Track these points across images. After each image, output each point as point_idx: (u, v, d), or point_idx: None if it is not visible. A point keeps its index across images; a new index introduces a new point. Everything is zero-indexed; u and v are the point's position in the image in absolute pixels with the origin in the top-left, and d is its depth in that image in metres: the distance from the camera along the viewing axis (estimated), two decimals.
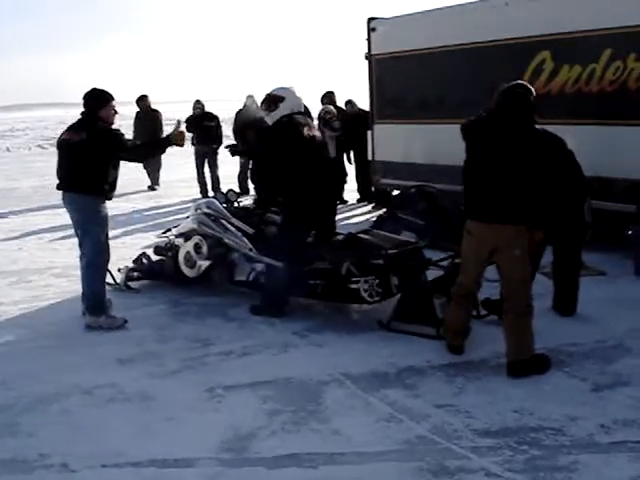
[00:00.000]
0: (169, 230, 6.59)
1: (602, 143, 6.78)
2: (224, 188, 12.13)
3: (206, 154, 12.01)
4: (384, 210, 9.20)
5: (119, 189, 13.05)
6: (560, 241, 5.17)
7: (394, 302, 5.18)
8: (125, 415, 3.94)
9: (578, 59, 7.08)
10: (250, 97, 11.81)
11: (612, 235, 7.09)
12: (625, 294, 5.82)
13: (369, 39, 9.52)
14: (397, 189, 9.58)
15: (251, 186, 12.14)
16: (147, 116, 13.02)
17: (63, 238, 9.00)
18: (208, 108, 12.41)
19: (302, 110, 5.53)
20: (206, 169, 12.17)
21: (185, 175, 14.86)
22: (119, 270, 6.46)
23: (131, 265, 6.46)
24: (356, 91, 10.95)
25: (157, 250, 6.53)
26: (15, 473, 3.38)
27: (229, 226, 5.76)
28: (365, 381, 4.26)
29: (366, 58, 9.65)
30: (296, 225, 5.31)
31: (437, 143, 8.77)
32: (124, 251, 8.01)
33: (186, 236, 6.02)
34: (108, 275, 6.41)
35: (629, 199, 6.61)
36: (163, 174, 14.01)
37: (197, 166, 12.14)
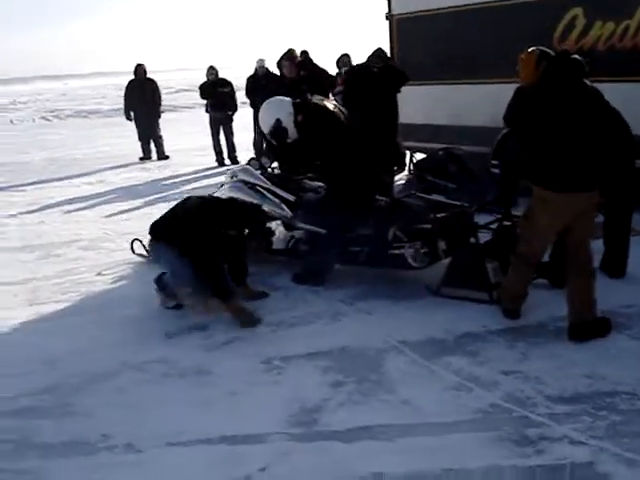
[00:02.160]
0: None
1: (637, 100, 6.60)
2: (240, 155, 12.04)
3: (221, 121, 11.82)
4: (410, 173, 9.06)
5: (128, 159, 12.96)
6: (611, 202, 5.03)
7: (437, 268, 5.06)
8: (183, 391, 3.84)
9: (611, 15, 6.88)
10: (260, 61, 11.56)
11: None
12: None
13: None
14: (420, 152, 9.40)
15: None
16: (144, 85, 12.77)
17: (83, 209, 8.91)
18: (222, 74, 12.15)
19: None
20: (221, 136, 11.97)
21: (196, 144, 14.70)
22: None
23: None
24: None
25: None
26: (79, 455, 3.28)
27: (267, 193, 5.61)
28: (424, 348, 4.15)
29: (387, 18, 9.38)
30: (346, 193, 5.18)
31: (463, 104, 8.59)
32: (150, 221, 7.87)
33: None
34: (142, 248, 6.34)
35: None
36: (173, 143, 13.84)
37: (212, 133, 11.96)
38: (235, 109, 11.89)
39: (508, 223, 5.11)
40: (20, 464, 3.24)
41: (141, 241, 6.40)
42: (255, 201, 5.56)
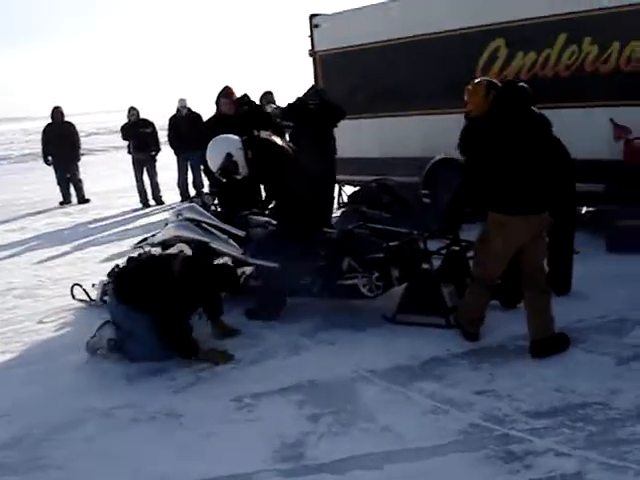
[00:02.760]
0: (144, 240, 6.32)
1: (561, 126, 6.92)
2: (164, 195, 11.91)
3: (144, 161, 11.64)
4: (340, 206, 9.16)
5: (47, 204, 12.45)
6: (555, 223, 5.23)
7: (389, 296, 5.13)
8: (156, 435, 3.73)
9: (533, 45, 7.23)
10: (182, 100, 11.55)
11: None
12: (606, 270, 5.89)
13: (312, 36, 9.45)
14: (350, 184, 9.54)
15: (192, 192, 11.92)
16: (62, 129, 12.49)
17: (11, 257, 8.58)
18: (143, 115, 12.01)
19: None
20: (145, 177, 11.79)
21: (115, 186, 14.46)
22: (93, 286, 6.16)
23: (105, 279, 6.13)
24: (299, 89, 10.79)
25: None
26: None
27: (214, 230, 5.57)
28: (393, 376, 4.19)
29: (310, 55, 9.57)
30: (298, 228, 5.21)
31: (391, 137, 8.82)
32: (83, 265, 7.73)
33: (165, 244, 5.77)
34: (82, 292, 6.15)
35: (594, 179, 6.75)
36: (91, 186, 13.53)
37: (135, 174, 11.74)
38: (158, 149, 11.75)
39: (457, 248, 5.25)
40: None
41: (81, 286, 6.22)
42: (203, 239, 5.53)
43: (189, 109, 11.36)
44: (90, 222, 10.77)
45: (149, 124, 11.75)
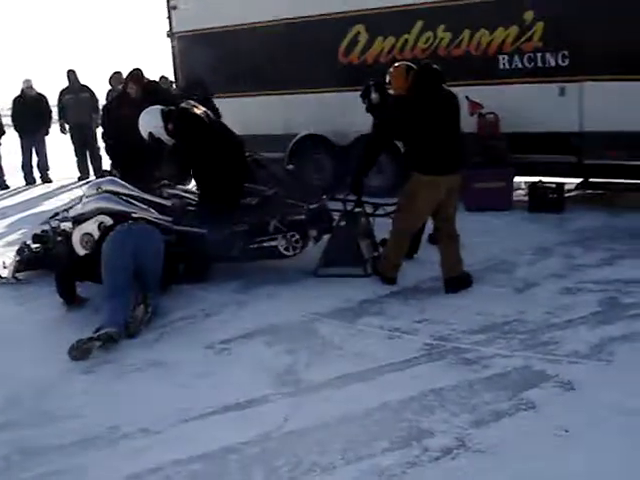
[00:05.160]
0: (56, 215, 6.39)
1: None
2: (8, 180, 11.56)
3: None
4: None
5: None
6: None
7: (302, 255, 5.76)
8: (154, 381, 4.05)
9: (391, 31, 8.12)
10: (27, 81, 11.26)
11: None
12: (471, 225, 6.88)
13: (170, 17, 9.70)
14: None
15: (37, 175, 11.68)
16: None
17: None
18: None
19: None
20: None
21: None
22: (3, 264, 6.16)
23: (16, 257, 6.14)
24: (159, 69, 10.95)
25: (36, 239, 6.30)
26: (99, 449, 3.34)
27: (135, 202, 5.83)
28: (339, 315, 4.85)
29: (168, 36, 9.81)
30: (220, 194, 5.66)
31: (252, 115, 9.33)
32: None
33: (81, 219, 5.90)
34: None
35: None
36: None
37: None
38: (2, 132, 11.32)
39: (359, 209, 5.95)
40: (49, 467, 3.24)
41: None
42: (126, 209, 5.78)
43: (36, 90, 11.09)
44: None
45: None
